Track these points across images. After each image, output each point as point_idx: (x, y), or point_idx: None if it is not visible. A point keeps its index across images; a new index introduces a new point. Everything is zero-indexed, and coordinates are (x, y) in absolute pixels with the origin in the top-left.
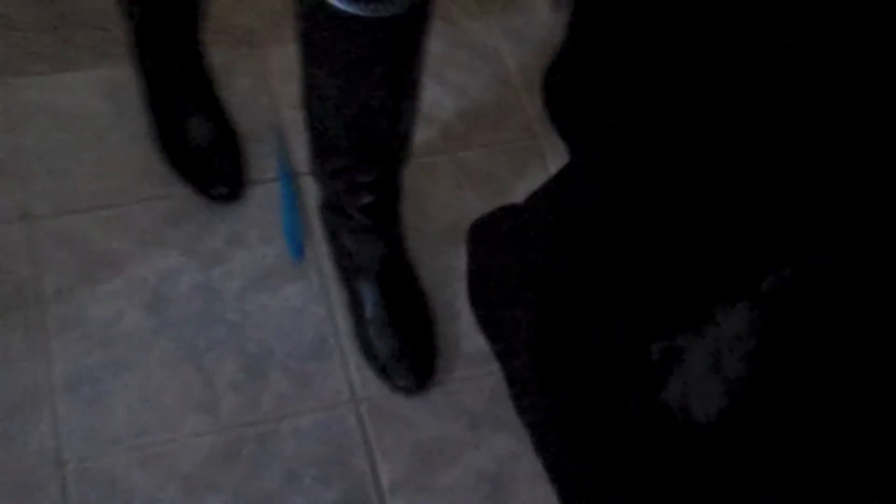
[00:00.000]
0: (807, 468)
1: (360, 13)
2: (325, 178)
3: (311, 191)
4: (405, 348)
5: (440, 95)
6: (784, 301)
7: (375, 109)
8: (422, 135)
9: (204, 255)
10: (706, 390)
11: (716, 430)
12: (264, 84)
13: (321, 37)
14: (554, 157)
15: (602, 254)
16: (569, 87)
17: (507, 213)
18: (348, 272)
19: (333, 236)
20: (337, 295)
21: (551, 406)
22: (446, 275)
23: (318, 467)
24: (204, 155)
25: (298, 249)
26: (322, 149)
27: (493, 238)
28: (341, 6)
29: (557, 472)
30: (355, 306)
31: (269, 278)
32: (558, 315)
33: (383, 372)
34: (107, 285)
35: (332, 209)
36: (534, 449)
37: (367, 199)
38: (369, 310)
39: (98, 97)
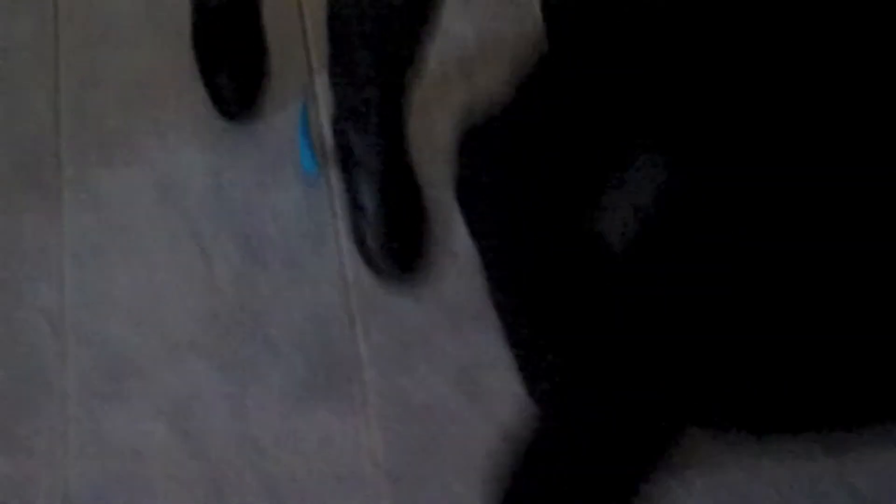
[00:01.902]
0: (698, 303)
1: None
2: (339, 81)
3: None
4: (394, 239)
5: (461, 23)
6: (695, 142)
7: (398, 10)
8: (437, 57)
9: (217, 154)
10: (622, 218)
11: (627, 258)
12: None
13: None
14: None
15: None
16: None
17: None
18: (350, 167)
19: (340, 135)
20: (337, 188)
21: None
22: (446, 182)
23: (301, 343)
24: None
25: (312, 164)
26: (339, 51)
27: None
28: None
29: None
30: (353, 199)
31: (275, 179)
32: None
33: (371, 260)
34: (121, 165)
35: (342, 111)
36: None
37: (375, 101)
38: (365, 203)
39: None
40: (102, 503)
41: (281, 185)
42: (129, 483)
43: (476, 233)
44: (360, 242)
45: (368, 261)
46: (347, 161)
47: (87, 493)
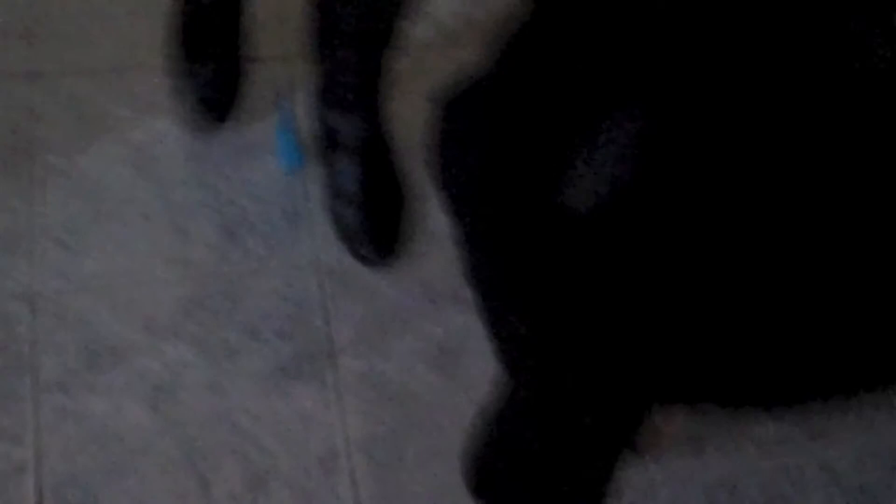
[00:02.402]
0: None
1: None
2: (319, 58)
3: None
4: (372, 221)
5: (440, 2)
6: (667, 104)
7: None
8: (416, 37)
9: (194, 135)
10: (592, 182)
11: (593, 221)
12: None
13: None
14: None
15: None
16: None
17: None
18: (329, 147)
19: (320, 115)
20: (314, 170)
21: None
22: (425, 163)
23: (277, 323)
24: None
25: (294, 159)
26: (319, 32)
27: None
28: None
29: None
30: (331, 180)
31: (253, 154)
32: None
33: (348, 242)
34: (99, 145)
35: (322, 89)
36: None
37: (353, 79)
38: (344, 183)
39: None
40: (82, 485)
41: (258, 167)
42: (109, 465)
43: (451, 203)
44: (340, 224)
45: (348, 242)
46: (328, 143)
47: (67, 475)
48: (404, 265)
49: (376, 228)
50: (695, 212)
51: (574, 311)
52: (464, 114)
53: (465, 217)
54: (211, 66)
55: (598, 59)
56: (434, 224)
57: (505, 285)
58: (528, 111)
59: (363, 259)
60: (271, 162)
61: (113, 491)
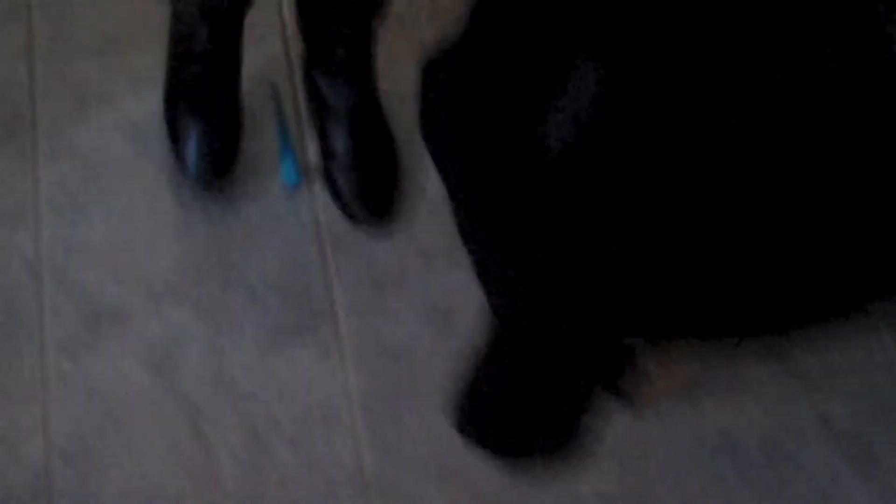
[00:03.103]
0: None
1: None
2: (307, 27)
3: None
4: (367, 186)
5: None
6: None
7: None
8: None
9: None
10: (561, 123)
11: (564, 161)
12: None
13: None
14: None
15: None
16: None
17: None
18: (321, 116)
19: (310, 83)
20: (311, 134)
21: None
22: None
23: (277, 286)
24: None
25: (295, 176)
26: (311, 4)
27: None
28: None
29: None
30: (325, 147)
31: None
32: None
33: (345, 208)
34: (96, 119)
35: (312, 58)
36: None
37: (342, 48)
38: (337, 150)
39: None
40: (84, 446)
41: (255, 131)
42: (110, 426)
43: (442, 164)
44: (333, 188)
45: (342, 205)
46: (318, 108)
47: (69, 437)
48: (399, 227)
49: (369, 192)
50: (654, 148)
51: (550, 244)
52: (445, 73)
53: (453, 169)
54: (210, 120)
55: (564, 16)
56: (427, 184)
57: (491, 228)
58: (503, 67)
59: (358, 222)
60: (268, 122)
61: (116, 451)
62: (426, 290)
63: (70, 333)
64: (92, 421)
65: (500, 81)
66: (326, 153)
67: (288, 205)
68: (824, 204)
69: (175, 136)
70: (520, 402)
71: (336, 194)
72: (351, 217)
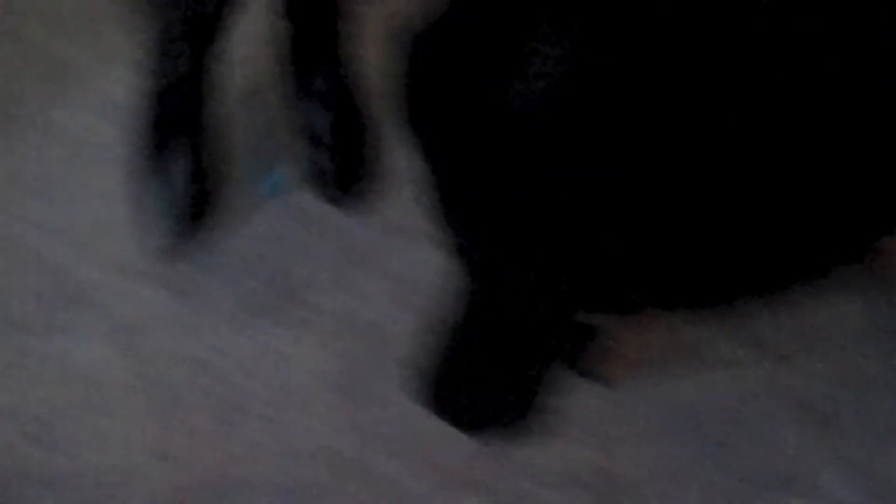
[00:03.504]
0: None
1: None
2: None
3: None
4: (340, 163)
5: None
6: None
7: None
8: None
9: None
10: (529, 84)
11: (532, 122)
12: None
13: None
14: None
15: None
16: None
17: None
18: (297, 93)
19: (287, 67)
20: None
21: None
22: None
23: (249, 266)
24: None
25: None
26: None
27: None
28: None
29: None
30: (300, 124)
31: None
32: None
33: (317, 184)
34: (70, 96)
35: (290, 43)
36: None
37: (320, 35)
38: (312, 128)
39: None
40: (53, 423)
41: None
42: (79, 403)
43: (426, 140)
44: (308, 166)
45: (316, 184)
46: (296, 89)
47: (39, 417)
48: (373, 206)
49: (344, 171)
50: (616, 111)
51: (518, 205)
52: (425, 49)
53: (437, 141)
54: (185, 160)
55: None
56: (402, 165)
57: (466, 199)
58: (482, 39)
59: (331, 200)
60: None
61: (83, 428)
62: (399, 269)
63: (45, 314)
64: (63, 401)
65: (478, 53)
66: (302, 132)
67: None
68: (785, 167)
69: (147, 174)
70: (484, 375)
71: (310, 173)
72: (326, 196)
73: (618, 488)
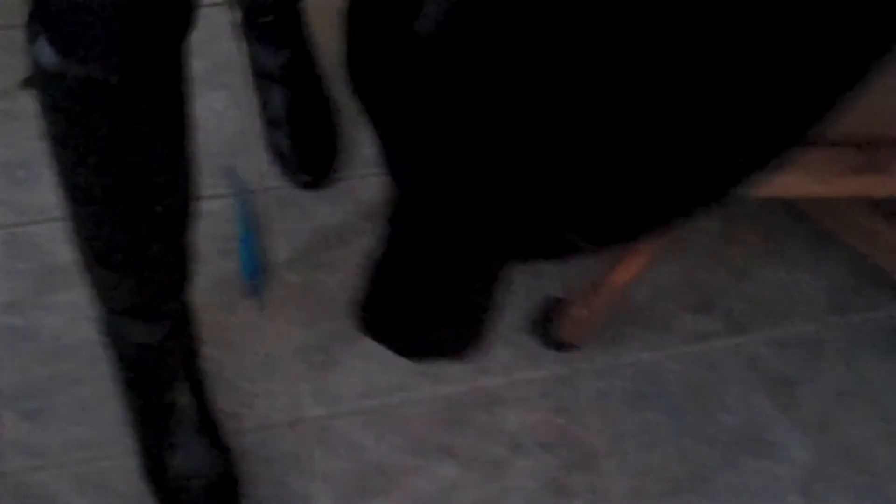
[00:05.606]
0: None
1: None
2: None
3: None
4: (302, 145)
5: None
6: None
7: None
8: None
9: None
10: (433, 10)
11: (431, 42)
12: None
13: None
14: None
15: None
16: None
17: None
18: (259, 77)
19: (248, 45)
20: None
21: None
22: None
23: (223, 247)
24: None
25: (254, 272)
26: None
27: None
28: None
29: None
30: (264, 109)
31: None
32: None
33: (282, 166)
34: None
35: (245, 20)
36: None
37: (273, 13)
38: (275, 111)
39: None
40: (36, 395)
41: (205, 95)
42: (61, 376)
43: (368, 102)
44: (276, 153)
45: (281, 167)
46: (257, 71)
47: (21, 387)
48: (340, 187)
49: (307, 153)
50: (516, 31)
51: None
52: (360, 13)
53: (373, 103)
54: None
55: None
56: (368, 148)
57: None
58: None
59: (296, 182)
60: (219, 86)
61: (66, 399)
62: (364, 244)
63: (20, 291)
64: (41, 372)
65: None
66: (266, 115)
67: (235, 162)
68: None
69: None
70: (418, 302)
71: (278, 156)
72: (290, 179)
73: (586, 454)
